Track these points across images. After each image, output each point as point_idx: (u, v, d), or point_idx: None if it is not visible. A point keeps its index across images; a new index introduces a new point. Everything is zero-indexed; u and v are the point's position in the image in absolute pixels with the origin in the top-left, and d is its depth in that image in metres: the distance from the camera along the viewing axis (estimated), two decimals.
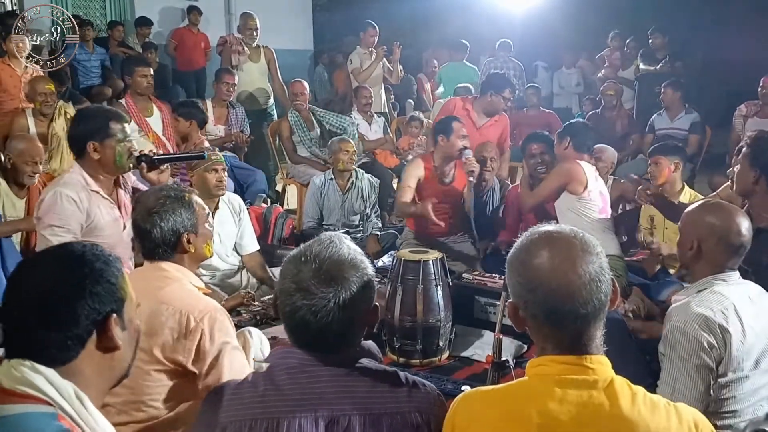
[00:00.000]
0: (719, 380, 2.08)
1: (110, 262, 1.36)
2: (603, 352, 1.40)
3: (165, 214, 2.19)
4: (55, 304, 1.26)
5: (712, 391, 2.06)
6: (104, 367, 1.33)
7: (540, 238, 1.42)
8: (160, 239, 2.18)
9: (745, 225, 2.19)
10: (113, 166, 3.06)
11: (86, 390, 1.28)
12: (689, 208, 2.40)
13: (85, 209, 3.00)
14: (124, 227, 3.15)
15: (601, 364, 1.37)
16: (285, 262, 1.59)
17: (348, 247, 1.60)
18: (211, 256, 2.45)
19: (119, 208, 3.16)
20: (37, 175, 4.00)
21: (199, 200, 2.34)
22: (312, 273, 1.51)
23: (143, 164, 3.13)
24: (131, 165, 3.11)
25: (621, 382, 1.36)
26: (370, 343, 1.63)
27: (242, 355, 2.17)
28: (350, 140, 5.17)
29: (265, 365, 1.62)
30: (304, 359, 1.54)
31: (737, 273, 2.22)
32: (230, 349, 2.08)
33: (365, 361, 1.57)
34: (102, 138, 2.99)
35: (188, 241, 2.22)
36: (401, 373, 1.58)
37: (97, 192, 3.05)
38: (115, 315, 1.32)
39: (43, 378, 1.22)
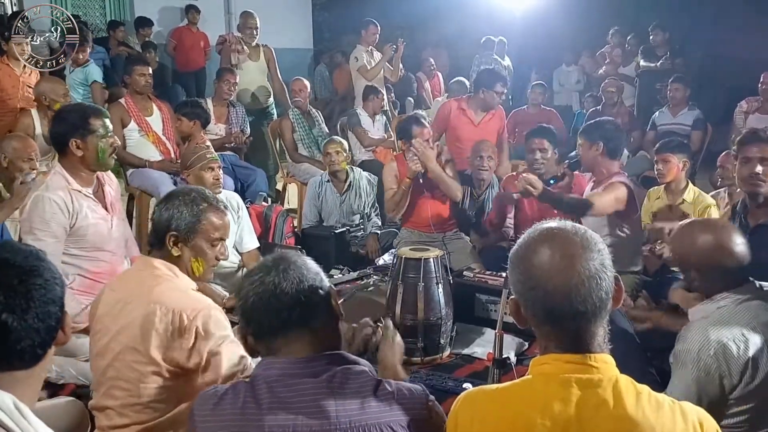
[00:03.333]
0: (735, 400, 2.01)
1: (42, 253, 1.33)
2: (607, 350, 1.38)
3: (170, 203, 2.18)
4: (28, 305, 1.22)
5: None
6: (48, 365, 1.31)
7: (541, 234, 1.41)
8: (156, 225, 2.18)
9: (738, 243, 2.14)
10: (96, 163, 3.08)
11: (26, 398, 1.23)
12: (682, 230, 2.31)
13: (69, 211, 3.00)
14: (112, 225, 3.16)
15: (605, 363, 1.36)
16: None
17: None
18: (198, 276, 2.27)
19: (106, 206, 3.17)
20: (35, 171, 3.99)
21: (218, 222, 2.23)
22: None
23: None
24: (113, 162, 3.14)
25: (626, 381, 1.35)
26: (364, 362, 1.62)
27: (239, 346, 2.10)
28: (337, 140, 5.09)
29: None
30: (284, 370, 1.52)
31: (753, 283, 2.16)
32: (227, 343, 2.06)
33: (349, 367, 1.54)
34: (83, 135, 3.01)
35: (173, 243, 2.17)
36: (386, 382, 1.55)
37: (78, 191, 3.06)
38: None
39: None
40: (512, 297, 1.44)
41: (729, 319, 2.04)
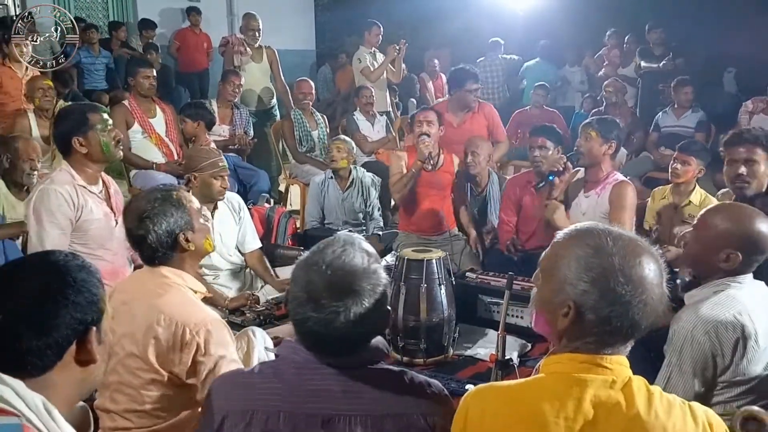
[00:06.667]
0: (727, 383, 2.06)
1: (92, 273, 1.34)
2: (626, 352, 1.39)
3: (156, 217, 2.15)
4: (37, 312, 1.24)
5: (698, 395, 2.05)
6: (78, 379, 1.31)
7: (641, 247, 1.38)
8: (156, 243, 2.15)
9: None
10: (103, 156, 3.13)
11: (56, 403, 1.25)
12: (719, 210, 2.26)
13: (74, 204, 3.03)
14: (117, 223, 3.18)
15: (619, 365, 1.36)
16: (297, 267, 1.55)
17: (362, 252, 1.55)
18: (213, 251, 2.40)
19: (111, 206, 3.20)
20: (36, 172, 4.01)
21: (189, 196, 2.29)
22: (323, 284, 1.48)
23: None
24: (120, 153, 3.20)
25: (639, 383, 1.35)
26: (378, 339, 1.60)
27: (238, 365, 2.13)
28: (341, 138, 5.11)
29: (273, 355, 1.61)
30: (309, 358, 1.52)
31: (750, 275, 2.18)
32: (226, 362, 2.05)
33: (374, 363, 1.56)
34: (85, 131, 3.07)
35: (186, 240, 2.18)
36: (408, 375, 1.56)
37: (84, 187, 3.09)
38: (94, 328, 1.31)
39: (10, 390, 1.20)
40: (569, 305, 1.37)
41: (723, 303, 2.07)
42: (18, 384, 1.21)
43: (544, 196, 3.93)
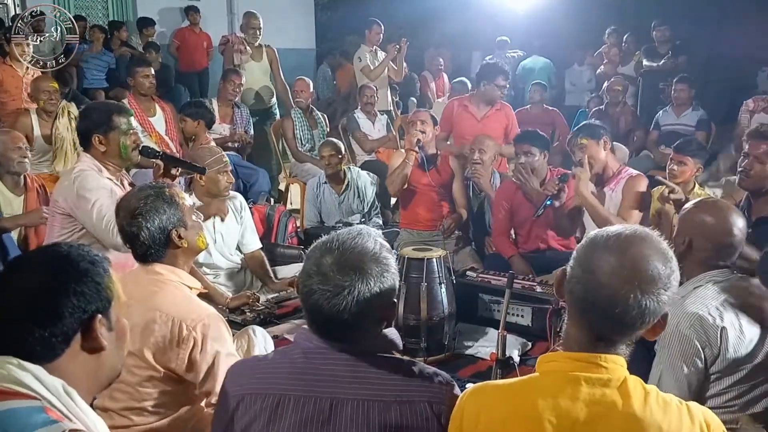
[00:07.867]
0: (719, 374, 2.08)
1: (96, 262, 1.36)
2: (623, 353, 1.39)
3: (149, 213, 2.15)
4: (39, 303, 1.28)
5: (693, 391, 2.08)
6: (91, 367, 1.34)
7: (641, 243, 1.38)
8: (149, 240, 2.15)
9: (738, 224, 2.20)
10: (119, 158, 3.17)
11: (79, 387, 1.29)
12: (688, 205, 2.39)
13: (107, 188, 3.07)
14: None
15: (615, 363, 1.36)
16: (313, 247, 1.60)
17: (375, 241, 1.59)
18: (205, 248, 2.40)
19: None
20: (27, 159, 4.01)
21: (182, 193, 2.30)
22: (332, 260, 1.52)
23: (159, 164, 3.24)
24: (138, 157, 3.23)
25: (634, 382, 1.36)
26: (391, 331, 1.63)
27: (236, 359, 2.13)
28: (331, 143, 5.06)
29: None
30: (320, 345, 1.55)
31: (731, 269, 2.23)
32: (224, 356, 2.06)
33: (383, 354, 1.58)
34: (106, 131, 3.11)
35: (179, 236, 2.19)
36: (417, 365, 1.59)
37: (109, 179, 3.13)
38: (100, 315, 1.33)
39: (30, 375, 1.23)
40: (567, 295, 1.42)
41: (704, 296, 2.13)
42: (37, 369, 1.25)
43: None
